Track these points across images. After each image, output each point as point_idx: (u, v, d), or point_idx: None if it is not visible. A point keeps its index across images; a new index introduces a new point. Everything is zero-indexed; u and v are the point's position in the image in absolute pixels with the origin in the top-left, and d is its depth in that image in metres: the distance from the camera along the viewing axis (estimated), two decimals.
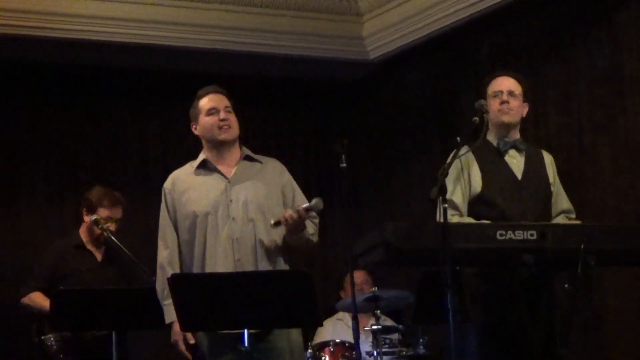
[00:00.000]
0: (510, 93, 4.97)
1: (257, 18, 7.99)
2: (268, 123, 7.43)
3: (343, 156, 4.83)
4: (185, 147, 8.50)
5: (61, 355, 6.04)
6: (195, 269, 4.73)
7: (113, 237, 6.28)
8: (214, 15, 7.87)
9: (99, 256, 6.34)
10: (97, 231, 6.28)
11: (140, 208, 7.65)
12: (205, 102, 4.83)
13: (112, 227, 6.32)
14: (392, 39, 8.13)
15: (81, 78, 8.19)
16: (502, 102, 4.94)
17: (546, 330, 4.54)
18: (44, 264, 6.43)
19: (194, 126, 4.88)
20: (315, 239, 4.80)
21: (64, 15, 7.44)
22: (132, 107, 8.57)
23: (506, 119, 4.96)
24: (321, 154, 8.87)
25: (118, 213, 6.38)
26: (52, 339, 6.06)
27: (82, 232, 6.40)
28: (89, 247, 6.34)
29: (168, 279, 4.47)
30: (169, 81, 8.39)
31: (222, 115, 4.77)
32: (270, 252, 4.70)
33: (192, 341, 4.68)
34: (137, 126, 8.61)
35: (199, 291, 4.32)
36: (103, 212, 6.31)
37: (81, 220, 6.45)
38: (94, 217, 6.29)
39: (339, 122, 9.13)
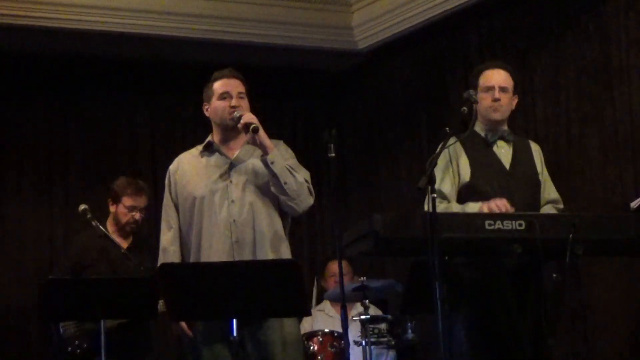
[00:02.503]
0: (502, 89, 4.94)
1: (246, 7, 7.98)
2: (256, 113, 7.35)
3: (331, 146, 4.83)
4: (174, 137, 8.53)
5: (77, 342, 6.05)
6: (192, 253, 4.73)
7: (102, 227, 6.29)
8: (203, 4, 7.86)
9: (124, 246, 6.33)
10: (125, 219, 6.36)
11: None
12: (218, 86, 4.80)
13: (136, 216, 6.37)
14: (381, 28, 8.13)
15: (69, 68, 8.16)
16: (494, 100, 4.93)
17: (534, 319, 4.55)
18: (69, 255, 6.51)
19: (206, 107, 4.86)
20: (298, 189, 4.66)
21: (51, 4, 7.41)
22: (120, 97, 8.56)
23: (497, 116, 4.95)
24: (309, 144, 8.87)
25: (142, 202, 6.42)
26: (69, 325, 6.07)
27: (109, 223, 6.42)
28: (114, 237, 6.33)
29: (157, 268, 4.47)
30: (157, 71, 8.38)
31: (234, 101, 4.75)
32: (270, 235, 4.69)
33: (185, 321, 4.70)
34: (125, 116, 8.60)
35: (188, 281, 4.32)
36: (127, 201, 6.37)
37: (107, 211, 6.48)
38: (82, 207, 6.29)
39: (327, 112, 9.14)
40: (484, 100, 4.93)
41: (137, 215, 6.39)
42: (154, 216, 7.10)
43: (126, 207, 6.38)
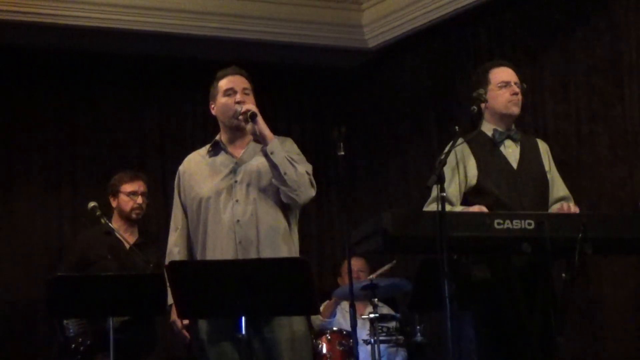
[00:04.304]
0: (517, 84, 4.96)
1: (257, 5, 7.98)
2: (265, 110, 7.51)
3: (341, 144, 4.82)
4: (183, 134, 8.54)
5: (80, 339, 6.06)
6: (198, 254, 4.73)
7: (110, 224, 6.31)
8: (213, 2, 7.87)
9: (130, 242, 6.35)
10: (128, 206, 6.40)
11: None
12: (223, 83, 4.78)
13: (138, 200, 6.40)
14: (391, 27, 8.13)
15: (79, 64, 8.18)
16: (514, 94, 4.92)
17: (543, 318, 4.54)
18: (73, 252, 6.53)
19: (212, 106, 4.85)
20: (298, 179, 4.60)
21: (62, 1, 7.43)
22: (129, 94, 8.57)
23: (517, 110, 4.94)
24: (319, 141, 8.87)
25: (140, 186, 6.46)
26: (72, 323, 6.08)
27: (114, 220, 6.45)
28: (120, 233, 6.34)
29: (165, 266, 4.47)
30: (166, 68, 8.40)
31: (239, 97, 4.73)
32: (274, 235, 4.66)
33: (185, 321, 4.70)
34: (134, 113, 8.60)
35: (196, 278, 4.31)
36: (126, 188, 6.42)
37: (110, 208, 6.50)
38: (91, 204, 6.31)
39: (336, 109, 9.14)
40: (500, 96, 4.91)
41: (139, 200, 6.41)
42: (163, 212, 7.13)
43: (127, 194, 6.41)
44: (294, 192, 4.63)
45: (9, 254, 7.95)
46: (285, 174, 4.59)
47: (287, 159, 4.61)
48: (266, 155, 4.61)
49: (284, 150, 4.66)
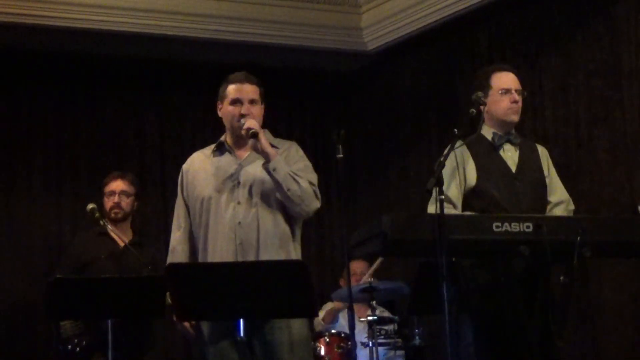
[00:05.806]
0: (518, 91, 4.96)
1: (256, 8, 7.99)
2: (265, 113, 7.51)
3: (340, 147, 4.82)
4: (183, 137, 8.54)
5: (76, 340, 6.07)
6: (200, 254, 4.74)
7: (109, 225, 6.32)
8: (213, 5, 7.87)
9: (125, 241, 6.35)
10: (107, 206, 6.41)
11: None
12: (232, 90, 4.77)
13: (115, 199, 6.41)
14: (391, 30, 8.13)
15: (79, 67, 8.18)
16: (514, 102, 4.93)
17: (542, 321, 4.54)
18: (70, 253, 6.56)
19: (219, 107, 4.85)
20: (302, 194, 4.62)
21: (63, 3, 7.43)
22: (130, 97, 8.57)
23: (516, 118, 4.95)
24: (318, 145, 8.87)
25: (119, 185, 6.47)
26: (68, 324, 6.09)
27: (107, 219, 6.45)
28: (114, 234, 6.36)
29: (165, 268, 4.47)
30: (167, 70, 8.40)
31: (245, 110, 4.74)
32: (274, 238, 4.66)
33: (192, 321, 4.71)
34: (134, 115, 8.61)
35: (195, 281, 4.30)
36: (105, 189, 6.46)
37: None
38: (90, 206, 6.33)
39: (336, 112, 9.13)
40: (501, 103, 4.92)
41: (116, 198, 6.43)
42: (162, 214, 7.13)
43: (106, 195, 6.46)
44: (298, 206, 4.66)
45: (9, 255, 7.95)
46: (288, 190, 4.61)
47: (290, 175, 4.62)
48: (269, 173, 4.62)
49: (287, 165, 4.66)
